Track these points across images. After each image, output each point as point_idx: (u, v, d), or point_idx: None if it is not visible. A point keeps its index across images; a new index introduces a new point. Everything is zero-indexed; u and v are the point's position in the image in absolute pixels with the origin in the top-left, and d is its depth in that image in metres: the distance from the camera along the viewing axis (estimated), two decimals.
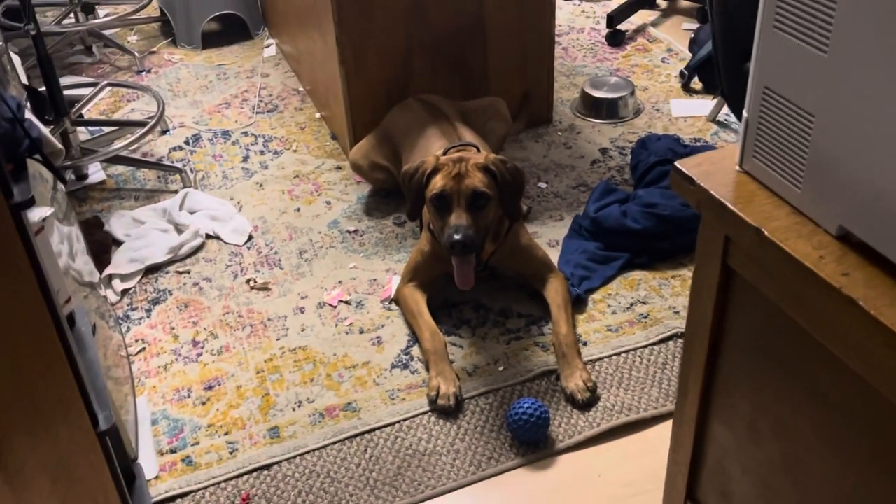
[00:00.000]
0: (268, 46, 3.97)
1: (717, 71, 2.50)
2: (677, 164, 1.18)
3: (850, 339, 0.98)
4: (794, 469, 1.19)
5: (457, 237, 2.10)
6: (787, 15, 1.01)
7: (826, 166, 1.01)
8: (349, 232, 2.73)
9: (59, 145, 1.40)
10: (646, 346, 2.27)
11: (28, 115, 1.34)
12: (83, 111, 3.25)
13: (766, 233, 1.04)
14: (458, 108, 2.82)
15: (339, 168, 3.06)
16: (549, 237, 2.68)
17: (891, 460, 1.02)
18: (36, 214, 1.28)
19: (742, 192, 1.12)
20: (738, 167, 1.17)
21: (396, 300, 2.41)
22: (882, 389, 0.98)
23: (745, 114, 1.12)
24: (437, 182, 2.16)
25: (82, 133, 3.20)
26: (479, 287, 2.30)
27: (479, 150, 2.39)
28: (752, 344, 1.22)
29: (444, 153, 2.33)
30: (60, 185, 2.04)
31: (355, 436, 2.04)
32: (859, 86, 0.94)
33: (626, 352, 2.26)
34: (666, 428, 2.05)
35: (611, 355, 2.25)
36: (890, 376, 0.95)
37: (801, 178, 1.06)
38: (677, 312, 2.36)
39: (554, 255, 2.58)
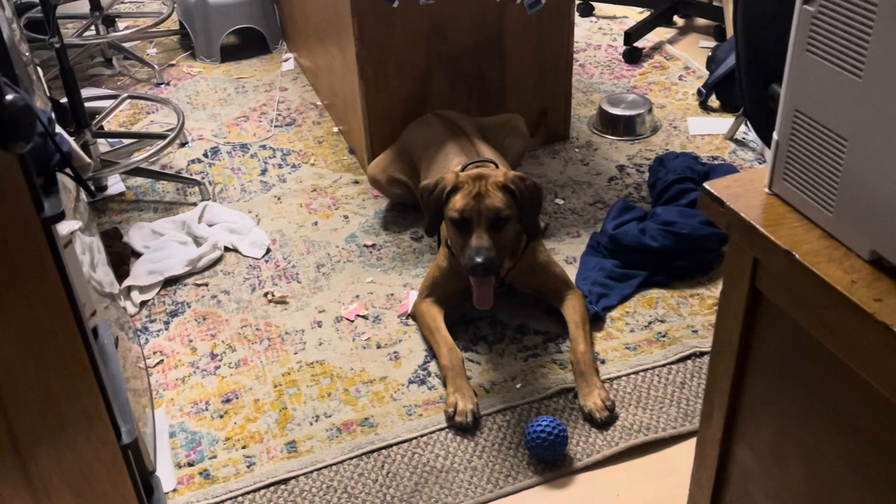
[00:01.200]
0: (286, 60, 4.00)
1: (741, 91, 2.49)
2: (706, 185, 1.18)
3: (883, 365, 0.98)
4: (820, 496, 1.18)
5: (478, 259, 2.09)
6: (821, 38, 1.01)
7: (858, 190, 1.01)
8: (367, 246, 2.74)
9: (88, 159, 1.41)
10: (664, 365, 2.26)
11: (58, 129, 1.35)
12: (103, 123, 3.27)
13: (797, 256, 1.04)
14: (476, 124, 2.81)
15: (356, 182, 3.07)
16: (566, 254, 2.68)
17: None
18: (64, 228, 1.29)
19: (772, 214, 1.12)
20: (767, 189, 1.16)
21: (414, 315, 2.40)
22: None
23: (775, 136, 1.12)
24: (458, 202, 2.15)
25: (102, 145, 3.22)
26: (497, 303, 2.30)
27: (497, 166, 2.38)
28: (779, 368, 1.21)
29: (463, 169, 2.32)
30: (83, 196, 2.06)
31: (372, 451, 2.04)
32: (893, 110, 0.94)
33: (645, 370, 2.25)
34: (684, 448, 2.04)
35: (629, 374, 2.24)
36: None
37: (832, 202, 1.05)
38: (696, 331, 2.35)
39: (571, 272, 2.58)
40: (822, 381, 1.13)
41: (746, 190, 1.17)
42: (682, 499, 1.59)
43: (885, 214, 0.98)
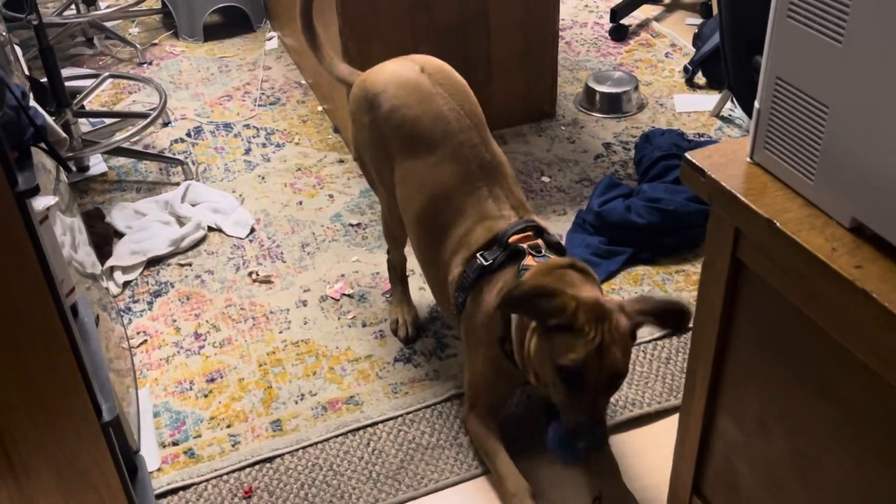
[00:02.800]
0: (270, 39, 3.96)
1: (725, 63, 2.48)
2: (688, 155, 1.17)
3: (863, 332, 0.98)
4: (804, 466, 1.18)
5: (589, 434, 1.60)
6: (802, 4, 1.00)
7: (839, 158, 1.00)
8: (352, 225, 2.72)
9: (64, 134, 1.39)
10: (649, 342, 2.26)
11: (32, 103, 1.33)
12: (84, 102, 3.24)
13: (778, 225, 1.04)
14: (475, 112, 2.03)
15: (341, 161, 3.05)
16: (552, 231, 2.66)
17: None
18: (40, 203, 1.27)
19: (753, 184, 1.11)
20: (748, 159, 1.16)
21: (466, 430, 1.99)
22: (892, 380, 0.97)
23: (756, 105, 1.11)
24: (576, 349, 1.58)
25: (84, 125, 3.18)
26: None
27: (543, 233, 1.86)
28: (762, 338, 1.21)
29: (506, 238, 1.81)
30: (63, 177, 2.03)
31: (358, 429, 2.03)
32: (874, 76, 0.93)
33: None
34: (670, 422, 2.04)
35: None
36: None
37: (813, 170, 1.05)
38: None
39: None
40: (804, 351, 1.13)
41: (728, 160, 1.16)
42: (668, 472, 1.60)
43: (866, 182, 0.97)
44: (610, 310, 1.61)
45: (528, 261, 1.77)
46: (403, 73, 2.03)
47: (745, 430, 1.29)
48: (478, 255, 1.84)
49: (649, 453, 1.96)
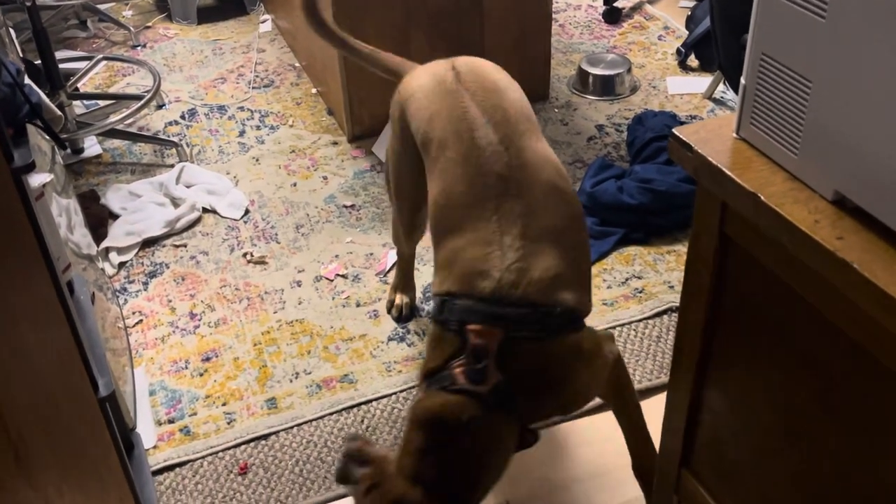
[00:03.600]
0: (263, 22, 3.96)
1: (715, 43, 2.50)
2: (675, 131, 1.19)
3: (845, 302, 1.00)
4: (790, 435, 1.21)
5: None
6: None
7: (822, 132, 1.02)
8: (346, 206, 2.74)
9: (59, 112, 1.40)
10: (641, 320, 2.28)
11: (27, 80, 1.34)
12: (78, 85, 3.24)
13: (762, 198, 1.05)
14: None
15: (335, 143, 3.06)
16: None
17: (887, 425, 1.03)
18: (36, 180, 1.28)
19: (739, 158, 1.13)
20: (735, 134, 1.17)
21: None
22: (876, 353, 0.99)
23: (742, 80, 1.13)
24: None
25: (78, 107, 3.19)
26: None
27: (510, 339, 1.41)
28: (748, 311, 1.23)
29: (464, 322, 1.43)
30: (58, 159, 2.04)
31: (352, 407, 2.06)
32: (856, 51, 0.94)
33: (622, 325, 2.27)
34: (661, 399, 2.05)
35: (606, 328, 2.26)
36: (884, 339, 0.96)
37: (797, 145, 1.07)
38: (672, 287, 2.37)
39: None
40: (789, 322, 1.15)
41: (714, 135, 1.18)
42: (658, 447, 1.62)
43: (848, 155, 0.99)
44: None
45: (457, 369, 1.41)
46: (435, 72, 1.77)
47: (732, 401, 1.32)
48: (443, 296, 1.49)
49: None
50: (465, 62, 1.78)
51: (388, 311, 2.32)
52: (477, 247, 1.47)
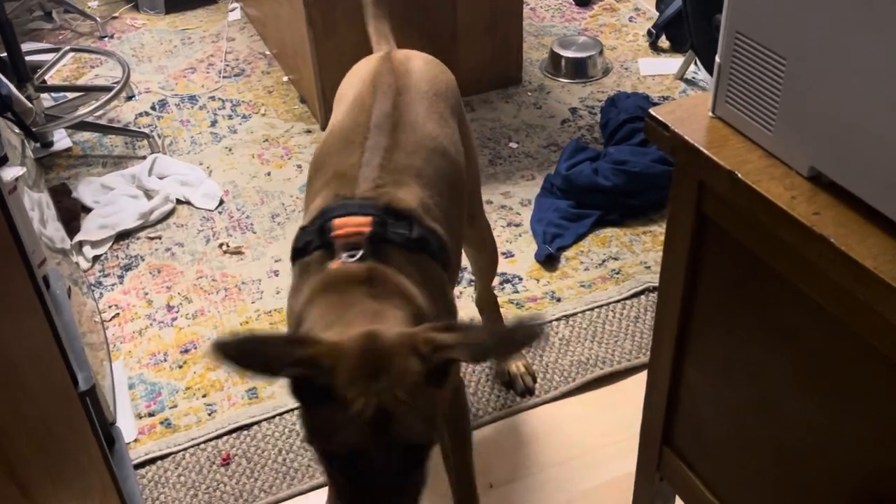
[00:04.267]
0: (232, 10, 3.92)
1: (687, 23, 2.51)
2: (651, 111, 1.19)
3: (821, 276, 1.01)
4: (768, 409, 1.22)
5: None
6: None
7: (797, 109, 1.03)
8: None
9: (29, 104, 1.38)
10: (618, 301, 2.30)
11: None
12: (46, 77, 3.19)
13: (739, 175, 1.06)
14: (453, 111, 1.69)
15: (308, 131, 3.04)
16: (521, 196, 2.69)
17: (863, 397, 1.05)
18: (9, 173, 1.26)
19: (715, 137, 1.14)
20: (710, 113, 1.18)
21: None
22: (854, 326, 1.01)
23: (717, 59, 1.13)
24: (341, 429, 1.08)
25: (46, 100, 3.14)
26: None
27: (387, 224, 1.33)
28: (726, 288, 1.24)
29: (329, 218, 1.33)
30: (29, 153, 2.02)
31: None
32: (829, 28, 0.95)
33: (599, 307, 2.29)
34: (640, 379, 2.08)
35: (584, 310, 2.28)
36: (860, 312, 0.98)
37: (772, 122, 1.08)
38: (648, 267, 2.39)
39: (527, 215, 2.60)
40: (766, 298, 1.16)
41: (690, 114, 1.19)
42: (639, 426, 1.64)
43: (823, 131, 1.00)
44: (391, 354, 1.08)
45: (335, 264, 1.28)
46: (367, 57, 1.81)
47: (711, 378, 1.33)
48: (301, 227, 1.41)
49: (620, 409, 2.01)
50: (403, 51, 1.79)
51: None
52: (338, 177, 1.41)
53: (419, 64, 1.71)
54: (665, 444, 1.49)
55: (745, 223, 1.13)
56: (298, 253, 1.38)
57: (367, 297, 1.22)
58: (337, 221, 1.31)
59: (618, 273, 2.39)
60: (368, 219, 1.31)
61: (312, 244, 1.34)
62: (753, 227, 1.10)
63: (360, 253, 1.27)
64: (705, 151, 1.12)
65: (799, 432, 1.17)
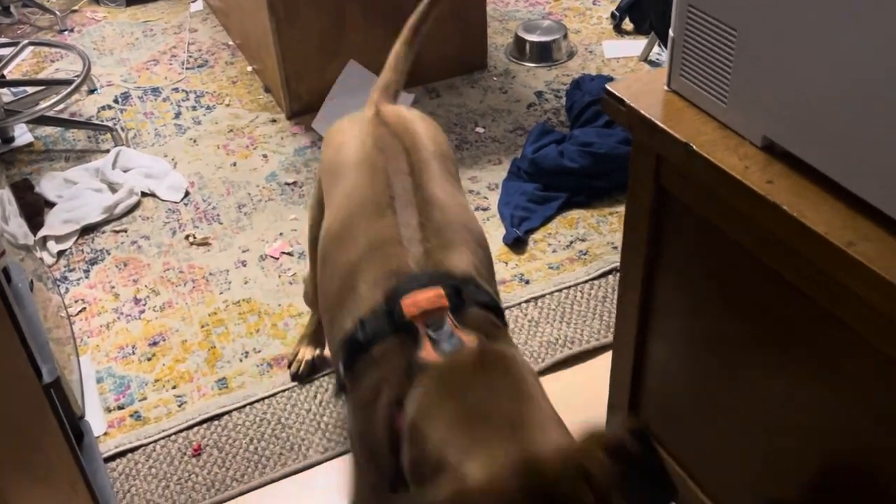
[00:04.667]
0: (194, 1, 3.88)
1: (647, 4, 2.52)
2: (608, 86, 1.20)
3: (776, 243, 1.03)
4: (730, 379, 1.24)
5: None
6: None
7: (749, 80, 1.05)
8: (288, 184, 2.71)
9: None
10: (586, 282, 2.31)
11: None
12: (4, 72, 3.14)
13: (693, 147, 1.08)
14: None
15: (273, 121, 3.03)
16: (488, 181, 2.70)
17: (824, 363, 1.07)
18: None
19: (671, 110, 1.15)
20: (666, 87, 1.19)
21: None
22: (809, 292, 1.02)
23: (671, 33, 1.14)
24: None
25: (6, 95, 3.09)
26: None
27: (459, 289, 1.20)
28: (686, 260, 1.26)
29: (397, 299, 1.17)
30: None
31: (305, 383, 2.06)
32: None
33: (568, 288, 2.30)
34: (607, 357, 2.10)
35: (552, 292, 2.29)
36: (816, 277, 1.00)
37: (726, 94, 1.09)
38: (615, 248, 2.41)
39: (494, 199, 2.61)
40: (726, 269, 1.18)
41: (646, 89, 1.20)
42: (606, 402, 1.66)
43: (774, 101, 1.02)
44: (559, 493, 0.89)
45: (426, 352, 1.10)
46: (353, 115, 1.62)
47: (675, 350, 1.35)
48: (360, 319, 1.21)
49: (589, 388, 2.02)
50: (391, 107, 1.61)
51: (289, 366, 2.06)
52: (382, 248, 1.25)
53: (419, 124, 1.55)
54: (631, 416, 1.51)
55: (702, 195, 1.14)
56: (359, 349, 1.18)
57: (491, 394, 1.03)
58: (406, 301, 1.15)
59: (585, 254, 2.40)
60: (439, 290, 1.16)
61: (382, 333, 1.16)
62: (710, 198, 1.12)
63: (447, 327, 1.12)
64: (660, 124, 1.13)
65: (762, 402, 1.19)
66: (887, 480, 1.02)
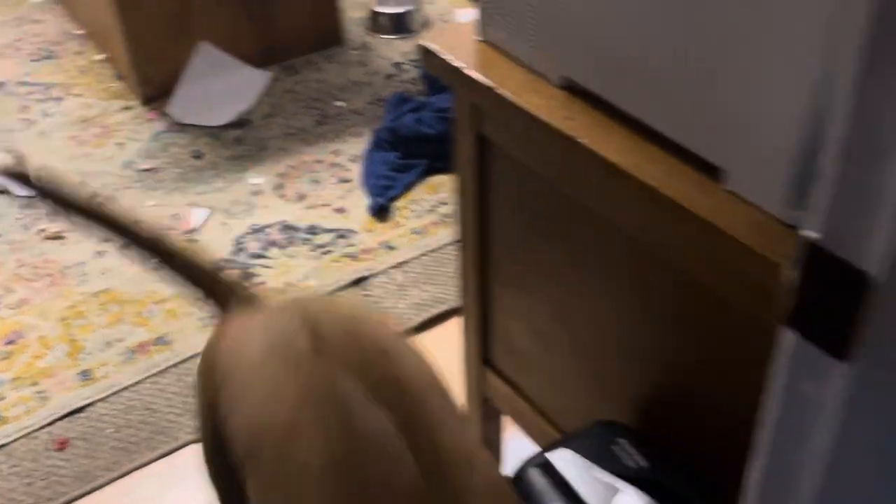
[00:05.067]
0: None
1: None
2: (420, 42, 1.23)
3: (581, 178, 1.08)
4: (562, 315, 1.30)
5: None
6: None
7: (549, 23, 1.09)
8: (145, 170, 2.66)
9: None
10: (450, 244, 2.36)
11: None
12: None
13: (499, 91, 1.12)
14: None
15: (128, 108, 2.95)
16: (350, 153, 2.71)
17: (637, 290, 1.13)
18: None
19: (481, 58, 1.19)
20: (478, 38, 1.23)
21: None
22: (615, 221, 1.08)
23: None
24: None
25: None
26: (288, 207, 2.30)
27: None
28: (514, 207, 1.31)
29: None
30: None
31: (170, 367, 2.03)
32: None
33: (432, 251, 2.35)
34: None
35: (419, 256, 2.33)
36: (617, 207, 1.06)
37: (530, 38, 1.13)
38: None
39: (357, 170, 2.62)
40: (547, 209, 1.23)
41: (459, 41, 1.24)
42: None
43: (572, 41, 1.07)
44: None
45: None
46: (272, 334, 1.12)
47: (514, 294, 1.40)
48: None
49: (456, 342, 2.07)
50: (326, 314, 1.13)
51: None
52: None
53: (383, 332, 1.23)
54: (484, 364, 1.56)
55: (514, 138, 1.19)
56: None
57: None
58: None
59: (448, 217, 2.45)
60: None
61: None
62: (521, 140, 1.17)
63: None
64: (472, 74, 1.17)
65: (592, 334, 1.26)
66: (698, 394, 1.10)
